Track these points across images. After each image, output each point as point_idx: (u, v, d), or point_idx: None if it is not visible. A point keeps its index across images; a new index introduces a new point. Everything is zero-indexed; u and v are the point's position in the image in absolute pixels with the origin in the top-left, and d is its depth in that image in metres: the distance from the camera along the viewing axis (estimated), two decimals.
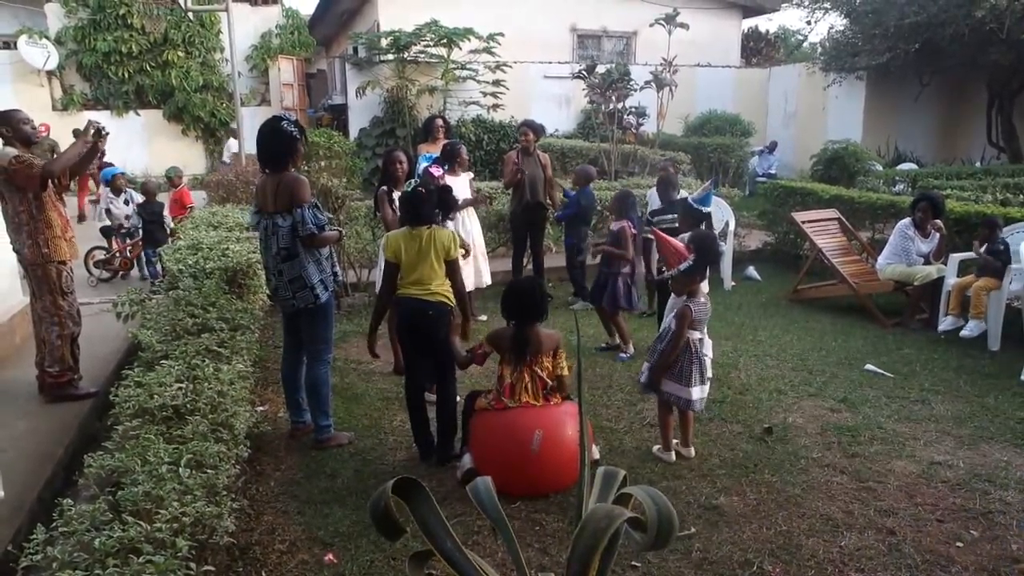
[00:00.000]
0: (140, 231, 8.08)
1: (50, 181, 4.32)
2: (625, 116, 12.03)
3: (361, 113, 14.49)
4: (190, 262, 4.86)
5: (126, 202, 8.23)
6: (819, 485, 3.65)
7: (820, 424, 4.37)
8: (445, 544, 1.95)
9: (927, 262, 6.37)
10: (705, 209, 5.06)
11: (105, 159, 10.75)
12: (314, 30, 19.46)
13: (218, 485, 2.53)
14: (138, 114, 17.29)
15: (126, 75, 16.82)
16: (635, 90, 11.26)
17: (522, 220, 6.98)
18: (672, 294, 4.02)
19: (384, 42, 13.70)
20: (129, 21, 16.43)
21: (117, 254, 8.11)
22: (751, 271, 8.37)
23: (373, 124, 14.24)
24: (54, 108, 16.65)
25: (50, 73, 16.56)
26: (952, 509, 3.42)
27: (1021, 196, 8.67)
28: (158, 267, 7.19)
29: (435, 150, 6.44)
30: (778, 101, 17.09)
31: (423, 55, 13.95)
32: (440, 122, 7.06)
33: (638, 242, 5.79)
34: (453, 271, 3.86)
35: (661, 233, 4.25)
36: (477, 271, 6.08)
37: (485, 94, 13.76)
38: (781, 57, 22.86)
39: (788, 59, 21.51)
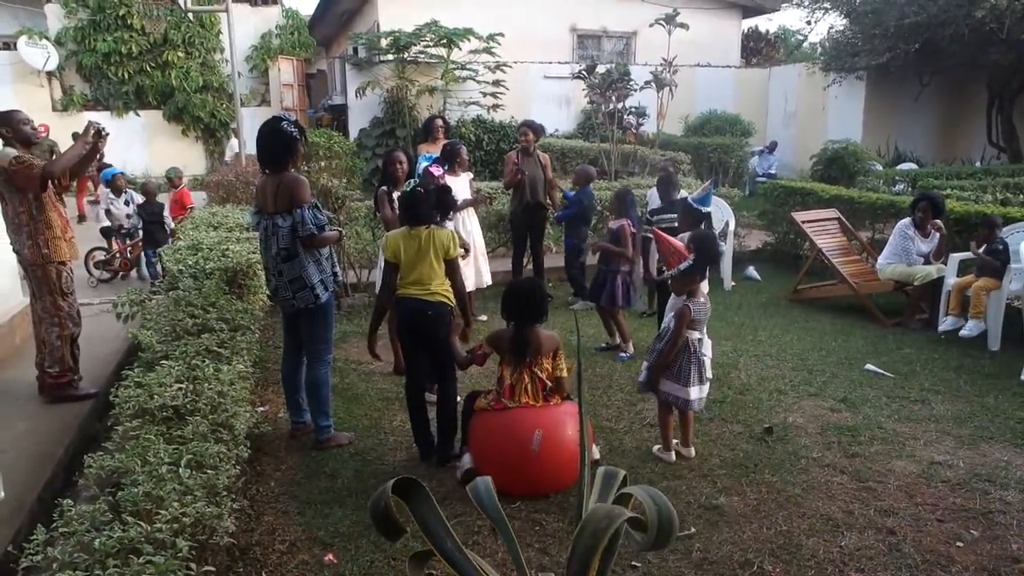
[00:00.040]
0: (140, 232, 8.08)
1: (50, 182, 4.32)
2: (625, 116, 12.02)
3: (361, 113, 14.49)
4: (190, 262, 4.86)
5: (126, 203, 8.23)
6: (819, 485, 3.65)
7: (820, 424, 4.37)
8: (445, 544, 1.95)
9: (927, 262, 6.37)
10: (705, 209, 5.06)
11: (104, 160, 10.74)
12: (314, 30, 19.46)
13: (218, 485, 2.53)
14: (138, 115, 17.30)
15: (126, 76, 16.83)
16: (635, 90, 11.26)
17: (522, 220, 6.99)
18: (672, 294, 4.03)
19: (384, 42, 13.70)
20: (129, 22, 16.44)
21: (117, 255, 8.11)
22: (751, 271, 8.37)
23: (373, 124, 14.25)
24: (54, 109, 16.65)
25: (50, 74, 16.57)
26: (952, 509, 3.42)
27: (1021, 196, 8.67)
28: (158, 267, 7.19)
29: (435, 150, 6.44)
30: (778, 101, 17.09)
31: (423, 55, 13.95)
32: (440, 122, 7.06)
33: (637, 241, 5.80)
34: (453, 270, 3.86)
35: (661, 233, 4.25)
36: (477, 271, 6.08)
37: (485, 94, 13.76)
38: (781, 57, 22.87)
39: (788, 59, 21.51)
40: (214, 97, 17.49)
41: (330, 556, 3.04)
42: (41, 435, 4.03)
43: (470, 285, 5.63)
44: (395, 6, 14.52)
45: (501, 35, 13.67)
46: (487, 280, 6.20)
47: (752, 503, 3.48)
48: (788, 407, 4.63)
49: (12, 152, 4.19)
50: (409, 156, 5.72)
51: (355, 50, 14.78)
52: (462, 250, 4.21)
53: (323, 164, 7.38)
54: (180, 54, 17.02)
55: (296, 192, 3.75)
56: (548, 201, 7.06)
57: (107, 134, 4.45)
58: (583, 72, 11.54)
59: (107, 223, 8.29)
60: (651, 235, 5.07)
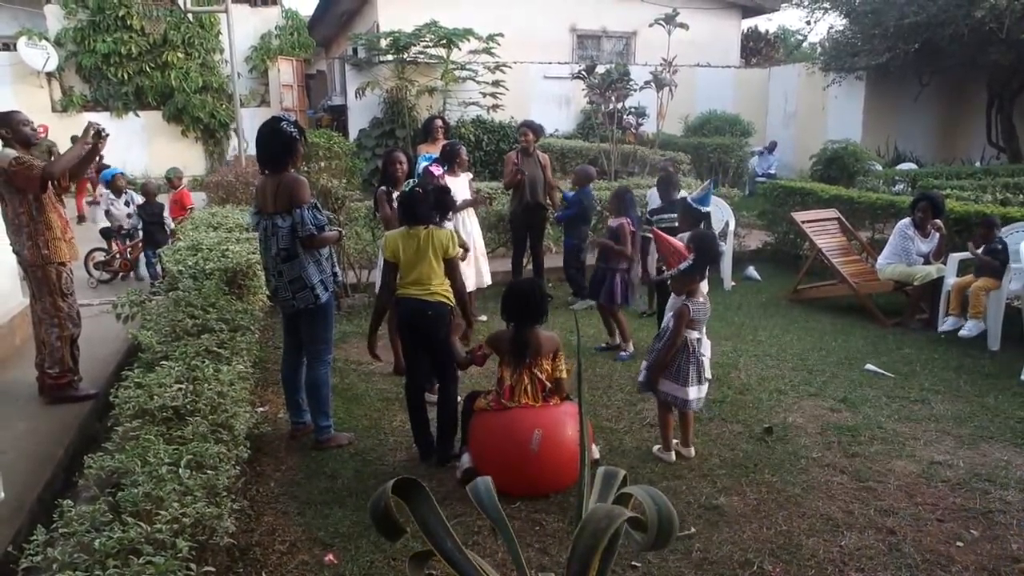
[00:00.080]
0: (140, 232, 8.08)
1: (50, 183, 4.32)
2: (625, 116, 12.03)
3: (361, 114, 14.49)
4: (190, 263, 4.86)
5: (126, 203, 8.22)
6: (819, 485, 3.65)
7: (820, 424, 4.37)
8: (445, 544, 1.95)
9: (927, 262, 6.37)
10: (704, 209, 5.06)
11: (104, 161, 10.74)
12: (314, 31, 19.46)
13: (218, 486, 2.53)
14: (138, 115, 17.29)
15: (126, 76, 16.81)
16: (635, 90, 11.26)
17: (522, 220, 6.99)
18: (672, 294, 4.03)
19: (384, 43, 13.70)
20: (128, 22, 16.42)
21: (117, 255, 8.11)
22: (751, 271, 8.37)
23: (373, 125, 14.24)
24: (54, 109, 16.64)
25: (49, 75, 16.56)
26: (952, 509, 3.42)
27: (1021, 196, 8.67)
28: (158, 268, 7.19)
29: (435, 150, 6.44)
30: (778, 101, 17.09)
31: (423, 56, 13.95)
32: (440, 123, 7.06)
33: (636, 241, 5.80)
34: (452, 270, 3.86)
35: (661, 233, 4.25)
36: (478, 271, 6.08)
37: (485, 95, 13.76)
38: (781, 57, 22.87)
39: (788, 59, 21.51)
40: (214, 98, 17.48)
41: (330, 556, 3.04)
42: (41, 436, 4.03)
43: (470, 285, 5.63)
44: (395, 6, 14.52)
45: (501, 35, 13.66)
46: (487, 280, 6.20)
47: (752, 503, 3.48)
48: (788, 407, 4.63)
49: (12, 153, 4.19)
50: (409, 156, 5.72)
51: (355, 51, 14.78)
52: (461, 250, 4.21)
53: (323, 164, 7.39)
54: (180, 55, 17.01)
55: (296, 192, 3.75)
56: (548, 201, 7.06)
57: (107, 135, 4.45)
58: (583, 72, 11.54)
59: (107, 224, 8.29)
60: (651, 235, 5.08)
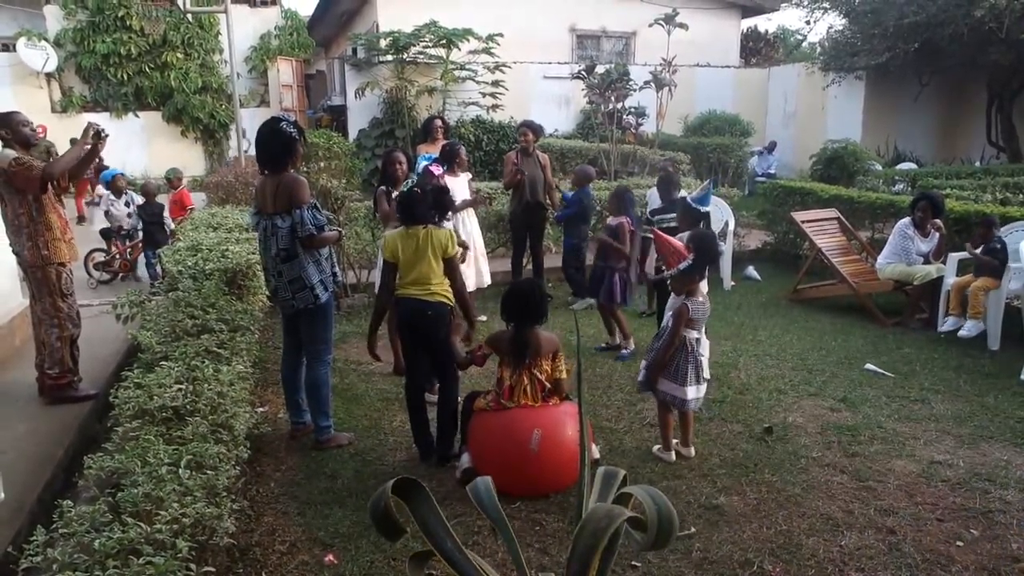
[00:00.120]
0: (140, 233, 8.08)
1: (49, 183, 4.32)
2: (624, 116, 12.03)
3: (360, 114, 14.49)
4: (190, 263, 4.86)
5: (126, 204, 8.22)
6: (819, 485, 3.65)
7: (820, 424, 4.37)
8: (445, 544, 1.95)
9: (927, 261, 6.38)
10: (703, 208, 5.06)
11: (103, 162, 10.73)
12: (313, 31, 19.46)
13: (218, 486, 2.53)
14: (137, 116, 17.29)
15: (125, 77, 16.81)
16: (634, 90, 11.26)
17: (522, 220, 6.99)
18: (672, 293, 4.03)
19: (383, 43, 13.70)
20: (128, 23, 16.42)
21: (117, 256, 8.11)
22: (751, 271, 8.37)
23: (372, 125, 14.24)
24: (53, 110, 16.63)
25: (49, 75, 16.55)
26: (952, 508, 3.42)
27: (1021, 195, 8.67)
28: (158, 268, 7.19)
29: (434, 150, 6.44)
30: (777, 101, 17.09)
31: (422, 56, 13.95)
32: (439, 123, 7.07)
33: (636, 240, 5.80)
34: (452, 269, 3.86)
35: (660, 232, 4.25)
36: (478, 271, 6.09)
37: (484, 95, 13.76)
38: (780, 57, 22.87)
39: (787, 59, 21.50)
40: (213, 98, 17.48)
41: (330, 556, 3.05)
42: (41, 436, 4.03)
43: (470, 285, 5.63)
44: (394, 7, 14.51)
45: (500, 35, 13.66)
46: (487, 280, 6.20)
47: (752, 503, 3.48)
48: (788, 407, 4.63)
49: (12, 153, 4.19)
50: (408, 156, 5.72)
51: (354, 51, 14.77)
52: (460, 249, 4.20)
53: (322, 165, 7.39)
54: (179, 55, 17.01)
55: (295, 193, 3.75)
56: (548, 201, 7.06)
57: (106, 135, 4.45)
58: (582, 72, 11.55)
59: (106, 224, 8.29)
60: (651, 235, 5.08)
